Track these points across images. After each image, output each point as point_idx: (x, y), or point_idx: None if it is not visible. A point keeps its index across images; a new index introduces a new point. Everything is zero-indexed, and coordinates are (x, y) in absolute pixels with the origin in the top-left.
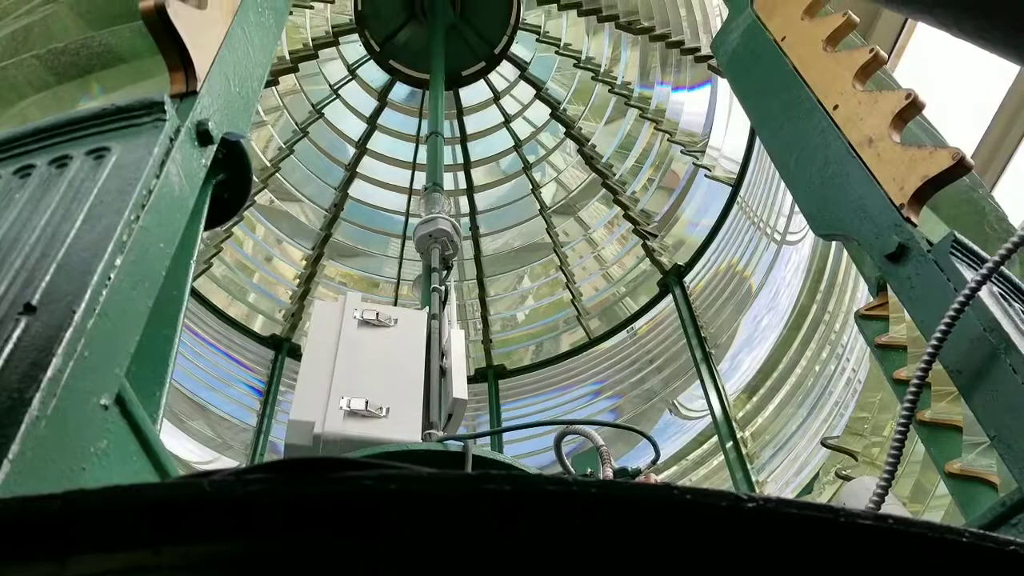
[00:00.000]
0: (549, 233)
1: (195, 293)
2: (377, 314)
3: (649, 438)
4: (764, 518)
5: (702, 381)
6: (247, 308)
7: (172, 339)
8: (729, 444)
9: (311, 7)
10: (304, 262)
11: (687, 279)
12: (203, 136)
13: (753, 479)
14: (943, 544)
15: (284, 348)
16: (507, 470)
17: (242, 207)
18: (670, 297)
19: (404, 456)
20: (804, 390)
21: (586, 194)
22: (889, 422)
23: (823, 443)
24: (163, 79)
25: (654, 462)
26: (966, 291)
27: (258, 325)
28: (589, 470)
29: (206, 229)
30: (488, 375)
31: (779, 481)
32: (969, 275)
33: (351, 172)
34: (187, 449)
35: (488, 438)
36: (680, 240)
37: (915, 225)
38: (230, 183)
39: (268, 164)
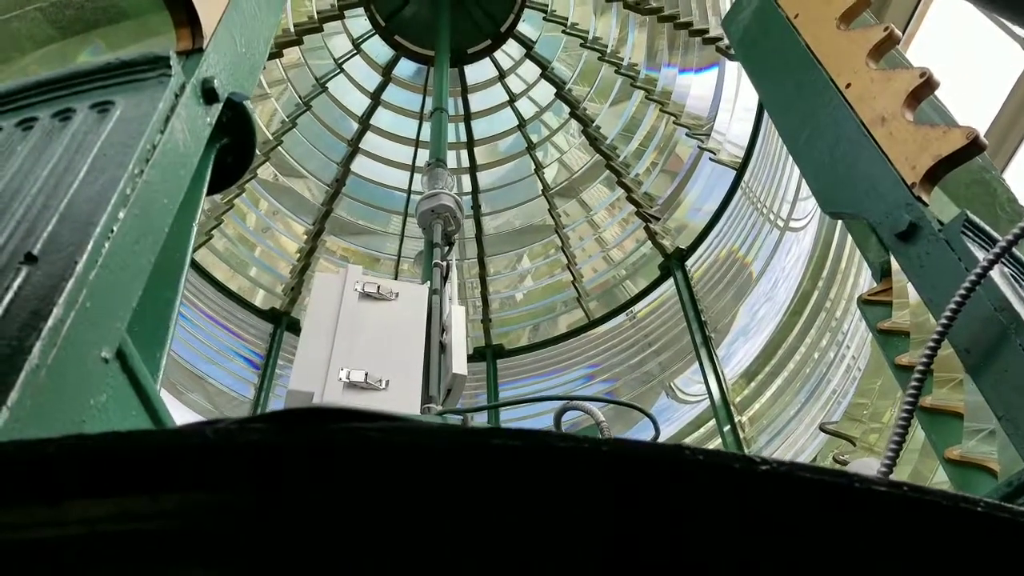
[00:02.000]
0: (551, 214)
1: (195, 265)
2: (378, 287)
3: (649, 415)
4: (777, 482)
5: (701, 365)
6: (248, 282)
7: (173, 301)
8: (727, 428)
9: None
10: (305, 237)
11: (689, 263)
12: (208, 94)
13: None
14: (957, 512)
15: (283, 322)
16: None
17: (245, 172)
18: (671, 280)
19: None
20: (803, 376)
21: (589, 176)
22: (888, 409)
23: (822, 428)
24: (168, 38)
25: (654, 440)
26: (978, 270)
27: (259, 299)
28: None
29: (209, 194)
30: (487, 354)
31: None
32: (980, 255)
33: (354, 147)
34: (185, 420)
35: (485, 417)
36: (682, 224)
37: (926, 204)
38: (234, 147)
39: (271, 137)
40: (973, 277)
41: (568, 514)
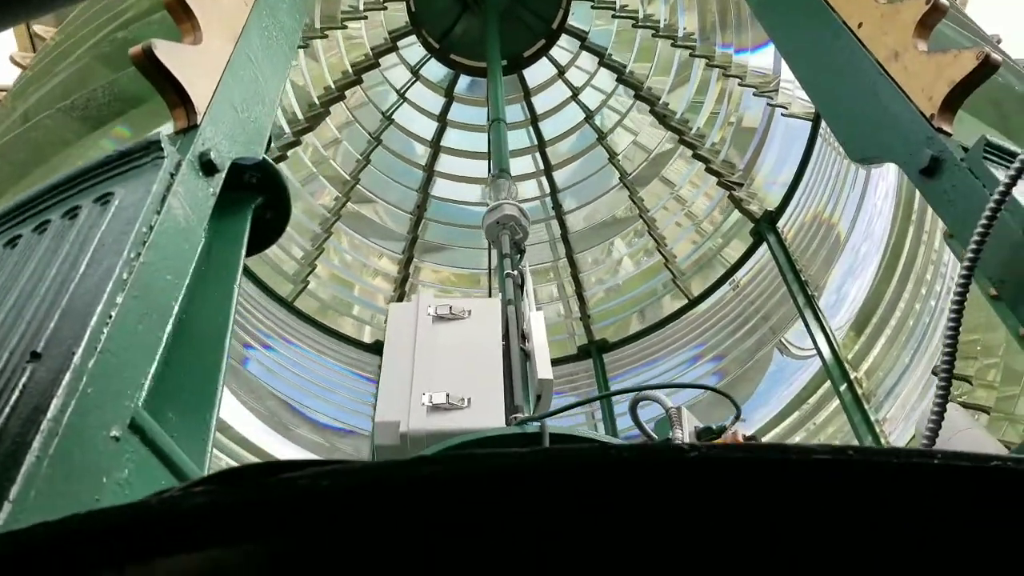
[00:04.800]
0: (633, 199)
1: (300, 313)
2: (450, 308)
3: (726, 395)
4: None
5: (807, 325)
6: (352, 320)
7: (219, 363)
8: (843, 386)
9: (365, 17)
10: (397, 267)
11: (780, 223)
12: (207, 166)
13: (872, 418)
14: None
15: None
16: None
17: (286, 225)
18: (765, 245)
19: (482, 443)
20: (914, 315)
21: (665, 154)
22: (1002, 342)
23: (935, 372)
24: None
25: (736, 418)
26: (997, 193)
27: (366, 335)
28: (671, 433)
29: (258, 251)
30: (591, 350)
31: (899, 417)
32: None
33: (429, 171)
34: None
35: (602, 417)
36: (769, 183)
37: (949, 135)
38: (270, 204)
39: (348, 177)
40: (993, 202)
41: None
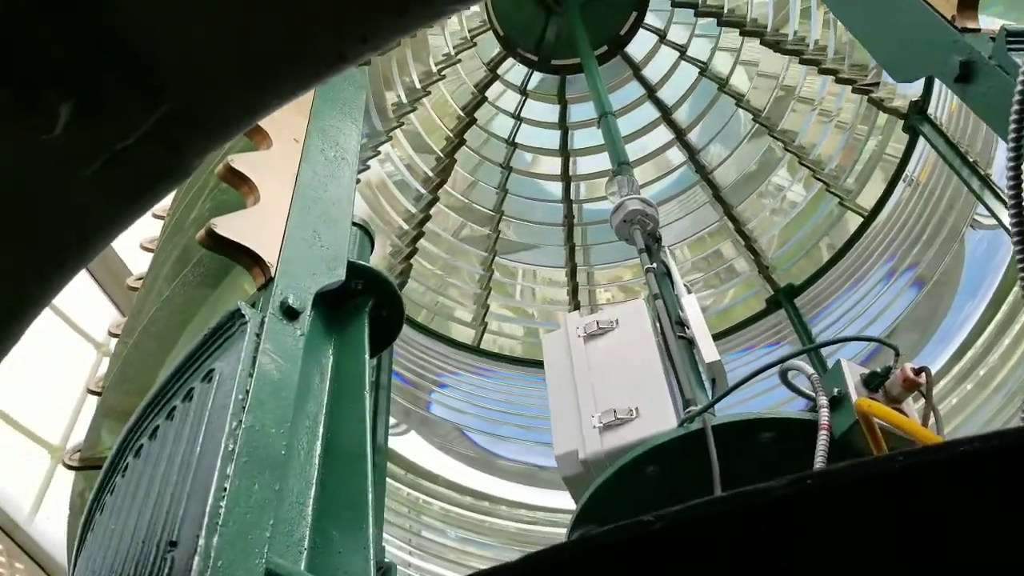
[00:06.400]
0: (772, 135)
1: (492, 355)
2: (597, 323)
3: (878, 340)
4: None
5: (988, 208)
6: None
7: (364, 468)
8: None
9: (459, 60)
10: (565, 280)
11: (930, 111)
12: (289, 313)
13: None
14: None
15: None
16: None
17: (403, 319)
18: (922, 138)
19: (649, 454)
20: None
21: (791, 80)
22: None
23: None
24: None
25: (897, 356)
26: (1021, 78)
27: None
28: (836, 390)
29: (381, 350)
30: (781, 299)
31: None
32: None
33: (566, 179)
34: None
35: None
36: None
37: (978, 30)
38: (382, 303)
39: (492, 212)
40: (1020, 87)
41: None
